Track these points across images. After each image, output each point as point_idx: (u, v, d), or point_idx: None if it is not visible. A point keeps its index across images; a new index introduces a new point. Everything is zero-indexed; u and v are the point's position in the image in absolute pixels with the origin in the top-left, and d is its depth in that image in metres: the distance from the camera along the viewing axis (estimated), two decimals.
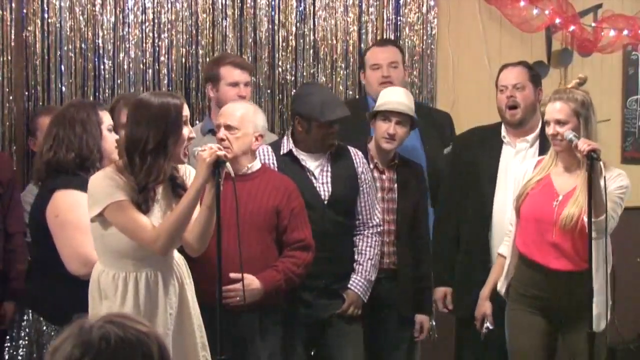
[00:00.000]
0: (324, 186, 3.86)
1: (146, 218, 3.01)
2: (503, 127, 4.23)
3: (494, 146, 4.21)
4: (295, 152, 3.86)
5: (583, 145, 3.48)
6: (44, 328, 3.36)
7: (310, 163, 3.87)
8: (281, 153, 3.86)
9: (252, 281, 3.55)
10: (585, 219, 3.50)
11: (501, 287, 3.77)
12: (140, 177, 2.98)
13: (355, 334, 3.96)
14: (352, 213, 3.95)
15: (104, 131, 3.36)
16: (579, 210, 3.56)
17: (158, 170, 2.99)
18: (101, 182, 3.00)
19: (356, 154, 3.99)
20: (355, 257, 3.94)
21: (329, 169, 3.88)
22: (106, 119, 3.38)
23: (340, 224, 3.89)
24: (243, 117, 3.61)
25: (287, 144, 3.88)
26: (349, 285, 3.90)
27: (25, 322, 3.44)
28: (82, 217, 3.17)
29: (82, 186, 3.22)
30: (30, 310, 3.41)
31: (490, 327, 3.87)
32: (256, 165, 3.70)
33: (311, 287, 3.82)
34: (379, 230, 3.98)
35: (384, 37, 4.83)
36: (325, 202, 3.85)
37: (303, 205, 3.76)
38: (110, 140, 3.36)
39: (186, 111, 3.05)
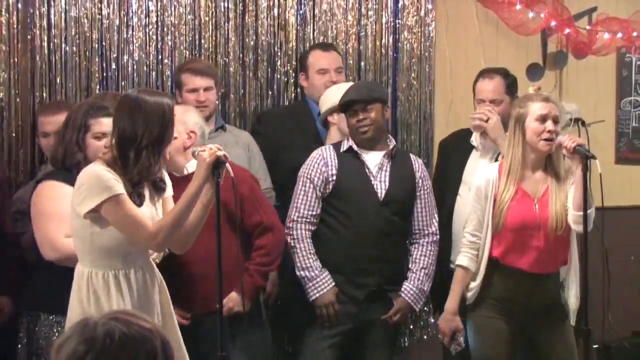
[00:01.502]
0: (380, 184, 3.88)
1: (143, 213, 2.99)
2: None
3: (464, 151, 4.21)
4: (356, 148, 3.90)
5: (568, 141, 3.49)
6: (37, 319, 3.41)
7: (370, 160, 3.90)
8: (341, 150, 3.91)
9: (235, 299, 3.59)
10: (571, 214, 3.51)
11: (471, 297, 3.69)
12: (135, 172, 2.97)
13: (388, 349, 3.96)
14: (407, 215, 3.95)
15: (89, 139, 3.36)
16: (563, 207, 3.56)
17: (151, 165, 2.98)
18: (97, 175, 2.95)
19: (416, 160, 4.05)
20: (410, 265, 3.94)
21: (388, 169, 3.91)
22: (96, 126, 3.36)
23: (395, 224, 3.89)
24: None
25: (346, 142, 3.93)
26: (400, 292, 3.89)
27: (27, 317, 3.48)
28: (55, 206, 3.24)
29: (65, 178, 3.28)
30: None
31: (463, 345, 3.73)
32: (193, 165, 3.65)
33: (363, 285, 3.83)
34: (435, 239, 3.98)
35: (383, 40, 4.83)
36: (381, 199, 3.85)
37: (253, 187, 3.76)
38: (93, 148, 3.34)
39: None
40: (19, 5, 4.10)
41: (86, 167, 3.05)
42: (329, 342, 3.81)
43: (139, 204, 3.00)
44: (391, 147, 3.94)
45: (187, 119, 3.65)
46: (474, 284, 3.67)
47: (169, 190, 3.20)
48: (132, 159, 2.96)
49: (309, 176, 3.87)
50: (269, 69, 4.61)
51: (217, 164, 2.99)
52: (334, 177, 3.85)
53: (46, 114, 3.87)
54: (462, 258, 3.68)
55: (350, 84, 4.16)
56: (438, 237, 3.99)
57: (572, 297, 3.64)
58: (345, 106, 3.90)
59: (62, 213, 3.22)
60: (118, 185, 2.93)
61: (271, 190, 4.22)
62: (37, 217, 3.36)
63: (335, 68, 4.40)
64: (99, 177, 2.94)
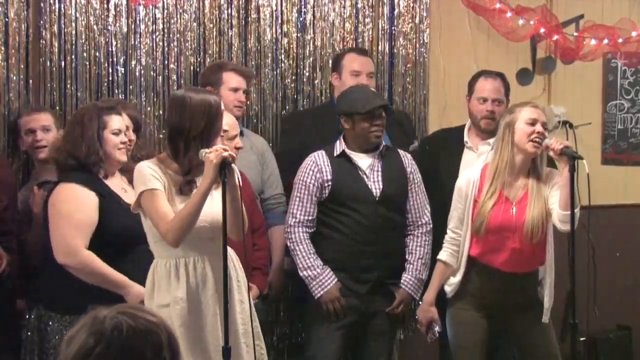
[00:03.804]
0: (375, 184, 3.87)
1: (170, 210, 3.00)
2: (466, 131, 4.23)
3: (456, 150, 4.20)
4: (348, 152, 3.88)
5: (555, 143, 3.48)
6: (48, 319, 3.34)
7: (362, 162, 3.89)
8: (335, 155, 3.89)
9: (255, 291, 3.71)
10: (557, 214, 3.50)
11: (451, 291, 3.70)
12: (185, 161, 3.05)
13: (389, 337, 3.98)
14: (402, 210, 3.96)
15: (107, 134, 3.39)
16: (540, 212, 3.54)
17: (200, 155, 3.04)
18: (139, 171, 3.06)
19: (405, 156, 4.03)
20: (406, 256, 3.93)
21: (380, 168, 3.90)
22: (112, 123, 3.40)
23: (391, 220, 3.89)
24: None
25: (339, 146, 3.92)
26: (400, 284, 3.89)
27: (33, 316, 3.42)
28: (75, 210, 3.22)
29: (87, 181, 3.24)
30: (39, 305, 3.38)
31: (439, 332, 3.78)
32: None
33: (365, 279, 3.84)
34: (428, 229, 3.97)
35: (380, 46, 4.82)
36: (377, 198, 3.85)
37: (253, 191, 3.94)
38: (111, 144, 3.38)
39: (223, 106, 3.15)
40: (30, 13, 4.09)
41: (100, 171, 3.23)
42: (336, 334, 3.81)
43: (189, 189, 3.06)
44: (380, 147, 3.93)
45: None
46: (455, 280, 3.68)
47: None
48: (182, 149, 3.06)
49: (304, 182, 3.85)
50: (271, 74, 4.61)
51: (224, 165, 2.97)
52: (330, 183, 3.84)
53: (29, 113, 3.90)
54: (443, 253, 3.73)
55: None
56: (431, 225, 3.98)
57: (546, 296, 3.64)
58: (368, 111, 3.82)
59: (80, 218, 3.22)
60: (154, 181, 3.02)
61: (282, 195, 4.20)
62: (55, 218, 3.28)
63: (367, 72, 4.34)
64: (140, 172, 3.05)
